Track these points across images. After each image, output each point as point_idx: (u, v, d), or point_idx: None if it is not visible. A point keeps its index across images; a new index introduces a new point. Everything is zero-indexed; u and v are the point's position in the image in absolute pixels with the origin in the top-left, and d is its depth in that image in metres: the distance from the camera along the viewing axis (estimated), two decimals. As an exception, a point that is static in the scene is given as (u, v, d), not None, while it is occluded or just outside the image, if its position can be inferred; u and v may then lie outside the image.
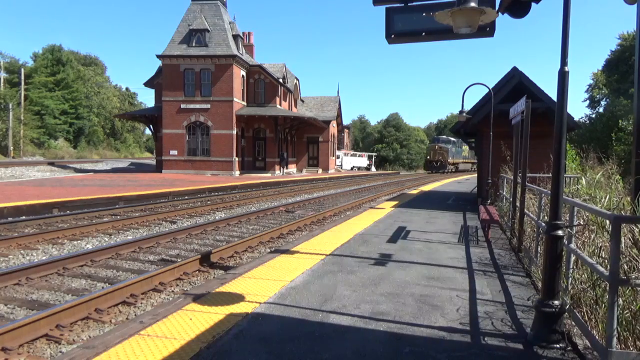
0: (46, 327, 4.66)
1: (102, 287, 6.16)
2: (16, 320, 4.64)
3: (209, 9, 36.12)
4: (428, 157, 64.78)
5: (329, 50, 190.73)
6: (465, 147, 67.72)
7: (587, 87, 52.08)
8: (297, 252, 7.21)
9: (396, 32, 5.84)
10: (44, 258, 7.61)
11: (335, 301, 4.80)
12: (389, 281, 5.66)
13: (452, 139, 63.68)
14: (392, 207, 14.47)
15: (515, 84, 14.29)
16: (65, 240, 9.05)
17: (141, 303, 5.79)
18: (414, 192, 22.25)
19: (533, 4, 5.34)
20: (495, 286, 5.59)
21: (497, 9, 5.30)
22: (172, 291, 6.39)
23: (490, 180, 13.65)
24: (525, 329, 4.16)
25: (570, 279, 4.55)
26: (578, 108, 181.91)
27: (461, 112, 14.42)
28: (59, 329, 4.73)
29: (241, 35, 38.47)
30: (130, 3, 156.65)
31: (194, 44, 34.51)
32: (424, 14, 5.67)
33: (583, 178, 8.73)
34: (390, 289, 5.33)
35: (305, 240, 8.29)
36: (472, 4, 3.82)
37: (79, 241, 9.08)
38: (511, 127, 9.25)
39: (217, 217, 12.99)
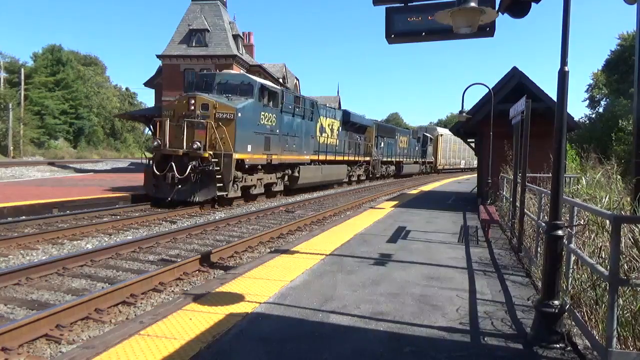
0: (46, 327, 4.66)
1: (102, 287, 6.15)
2: (16, 320, 4.64)
3: (209, 9, 36.10)
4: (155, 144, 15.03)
5: (328, 50, 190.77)
6: (332, 122, 24.37)
7: (587, 87, 52.07)
8: (297, 252, 7.20)
9: (396, 32, 5.84)
10: (43, 258, 7.60)
11: (336, 301, 4.80)
12: (389, 281, 5.65)
13: (267, 84, 17.35)
14: (392, 207, 14.47)
15: (516, 84, 14.29)
16: (65, 240, 9.05)
17: (141, 303, 5.79)
18: (414, 192, 22.25)
19: (533, 4, 5.34)
20: (495, 286, 5.59)
21: (497, 8, 5.30)
22: (172, 291, 6.39)
23: (490, 180, 13.65)
24: (525, 329, 4.16)
25: (570, 279, 4.55)
26: (578, 108, 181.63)
27: (461, 112, 14.42)
28: (59, 329, 4.72)
29: (241, 35, 38.43)
30: (130, 3, 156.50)
31: (194, 44, 34.50)
32: (424, 14, 5.67)
33: (583, 178, 8.74)
34: (391, 289, 5.33)
35: (305, 240, 8.29)
36: (472, 4, 3.82)
37: (78, 241, 9.07)
38: (511, 127, 9.26)
39: (217, 217, 12.99)
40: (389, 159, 36.50)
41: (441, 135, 53.56)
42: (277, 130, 17.48)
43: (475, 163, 60.96)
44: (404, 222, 10.89)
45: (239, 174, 15.05)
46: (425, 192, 21.92)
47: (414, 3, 5.75)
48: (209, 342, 3.69)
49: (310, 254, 7.07)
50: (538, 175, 10.16)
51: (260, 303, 4.66)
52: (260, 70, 37.26)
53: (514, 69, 14.80)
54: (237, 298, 4.81)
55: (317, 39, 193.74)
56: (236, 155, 14.51)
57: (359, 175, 30.15)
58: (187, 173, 13.55)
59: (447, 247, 8.02)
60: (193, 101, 14.40)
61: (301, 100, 20.18)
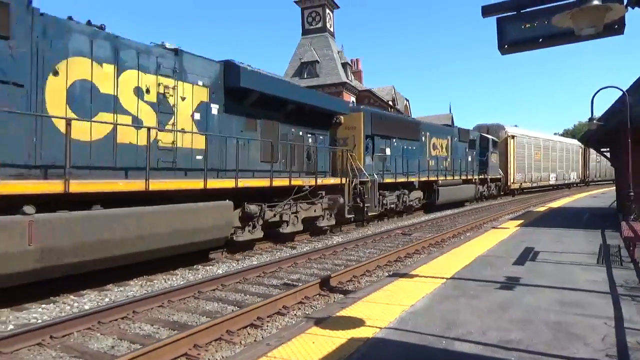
0: (185, 346, 5.09)
1: (232, 310, 6.58)
2: (160, 340, 5.15)
3: (318, 41, 37.79)
4: None
5: (439, 68, 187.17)
6: (167, 84, 8.54)
7: None
8: (416, 275, 7.04)
9: (510, 42, 5.58)
10: (182, 282, 8.37)
11: (459, 327, 4.58)
12: (517, 306, 5.26)
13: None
14: (517, 226, 13.52)
15: (656, 83, 12.67)
16: (199, 266, 9.87)
17: (267, 325, 6.07)
18: (541, 209, 20.58)
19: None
20: (648, 313, 4.91)
21: (625, 3, 4.81)
22: (295, 314, 6.61)
23: (632, 193, 12.13)
24: (690, 364, 3.58)
25: None
26: None
27: (591, 119, 13.09)
28: (196, 349, 5.13)
29: (349, 62, 39.49)
30: (246, 41, 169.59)
31: (305, 76, 36.25)
32: (539, 19, 5.34)
33: None
34: (520, 315, 4.95)
35: (424, 263, 8.07)
36: (596, 2, 3.52)
37: (210, 267, 9.84)
38: (654, 131, 8.20)
39: (334, 242, 13.23)
40: (407, 178, 19.10)
41: (513, 137, 35.27)
42: None
43: (573, 176, 49.42)
44: (530, 243, 10.09)
45: None
46: (554, 210, 20.15)
47: (528, 9, 5.45)
48: (331, 365, 3.74)
49: (430, 277, 6.86)
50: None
51: (380, 328, 4.62)
52: (369, 94, 37.82)
53: (653, 66, 13.16)
54: (358, 322, 4.82)
55: (426, 59, 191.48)
56: None
57: (316, 218, 13.96)
58: None
59: (583, 269, 7.26)
60: None
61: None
